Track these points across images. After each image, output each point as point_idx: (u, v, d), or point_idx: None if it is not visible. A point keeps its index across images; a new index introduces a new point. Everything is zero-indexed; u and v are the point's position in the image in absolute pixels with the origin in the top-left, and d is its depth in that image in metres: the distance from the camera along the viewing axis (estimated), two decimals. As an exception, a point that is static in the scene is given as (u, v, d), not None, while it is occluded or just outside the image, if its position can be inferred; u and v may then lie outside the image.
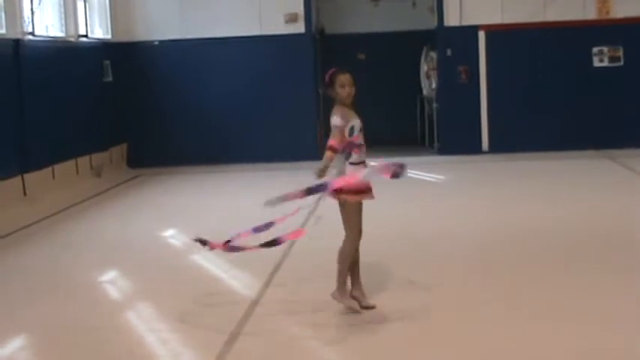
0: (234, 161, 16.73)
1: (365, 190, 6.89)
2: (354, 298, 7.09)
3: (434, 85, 17.57)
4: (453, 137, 16.98)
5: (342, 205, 6.96)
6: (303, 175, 15.11)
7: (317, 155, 16.90)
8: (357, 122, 6.90)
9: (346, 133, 6.81)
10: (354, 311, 6.94)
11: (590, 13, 16.67)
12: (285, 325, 6.94)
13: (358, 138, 6.92)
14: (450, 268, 8.51)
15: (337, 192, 6.81)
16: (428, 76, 17.92)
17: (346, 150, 6.87)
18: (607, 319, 6.67)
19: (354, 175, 6.73)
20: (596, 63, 16.74)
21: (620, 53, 16.64)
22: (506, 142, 16.71)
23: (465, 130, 16.93)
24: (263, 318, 7.10)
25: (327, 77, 7.04)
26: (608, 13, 16.63)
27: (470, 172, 15.09)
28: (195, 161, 16.83)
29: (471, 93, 16.83)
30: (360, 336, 6.54)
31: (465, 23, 16.82)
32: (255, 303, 7.49)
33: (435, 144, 17.51)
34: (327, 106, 18.48)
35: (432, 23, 17.43)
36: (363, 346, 6.38)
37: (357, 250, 7.11)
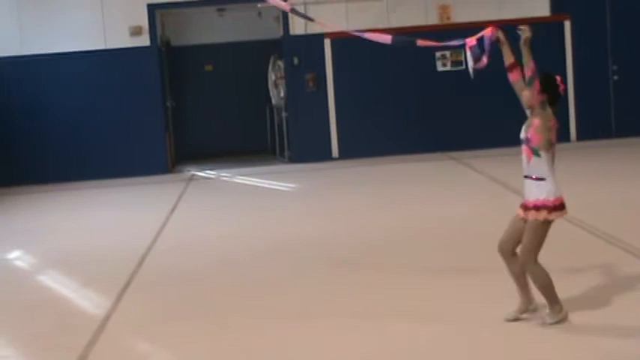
0: (86, 178, 16.38)
1: (563, 206, 6.26)
2: (522, 310, 6.48)
3: (282, 94, 17.62)
4: (303, 145, 17.08)
5: (539, 223, 6.17)
6: (155, 188, 15.10)
7: (167, 169, 16.76)
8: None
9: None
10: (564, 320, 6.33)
11: (433, 19, 17.06)
12: (136, 342, 6.82)
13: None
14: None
15: (536, 209, 6.15)
16: (276, 85, 17.97)
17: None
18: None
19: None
20: (440, 67, 17.16)
21: (462, 57, 17.06)
22: (355, 148, 16.91)
23: (314, 137, 17.06)
24: (114, 336, 6.95)
25: (544, 81, 6.46)
26: (449, 18, 17.05)
27: (320, 180, 15.17)
28: (46, 179, 16.37)
29: (319, 101, 16.97)
30: (212, 346, 6.47)
31: (310, 32, 16.94)
32: (105, 321, 7.33)
33: (286, 152, 17.56)
34: (176, 119, 18.28)
35: (279, 32, 17.50)
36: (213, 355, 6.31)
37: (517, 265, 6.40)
